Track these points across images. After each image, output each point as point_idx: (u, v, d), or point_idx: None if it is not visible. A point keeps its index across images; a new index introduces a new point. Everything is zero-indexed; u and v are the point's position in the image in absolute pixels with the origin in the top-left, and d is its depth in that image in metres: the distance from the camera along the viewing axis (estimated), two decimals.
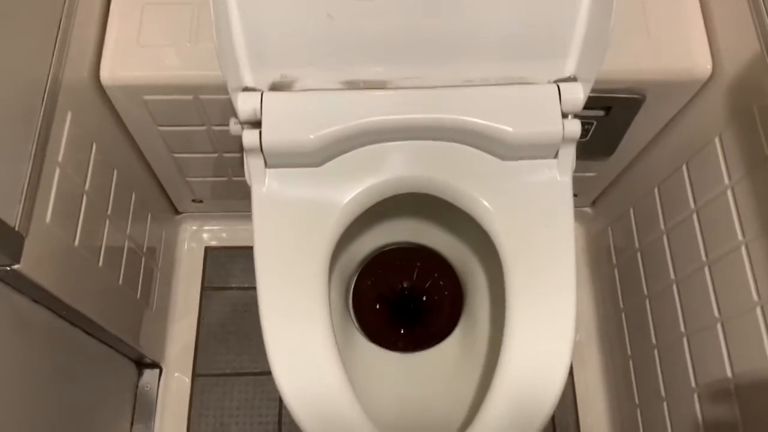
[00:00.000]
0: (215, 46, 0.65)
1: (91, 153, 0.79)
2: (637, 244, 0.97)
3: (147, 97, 0.81)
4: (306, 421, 0.65)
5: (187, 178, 1.02)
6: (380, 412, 0.84)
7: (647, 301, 0.94)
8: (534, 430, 0.65)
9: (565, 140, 0.69)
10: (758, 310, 0.70)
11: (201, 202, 1.10)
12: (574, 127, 0.69)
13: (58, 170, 0.70)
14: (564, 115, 0.70)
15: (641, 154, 0.95)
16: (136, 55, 0.79)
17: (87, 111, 0.77)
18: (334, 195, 0.70)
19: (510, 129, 0.69)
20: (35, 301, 0.70)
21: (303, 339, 0.67)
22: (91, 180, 0.78)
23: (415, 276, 0.98)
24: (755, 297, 0.70)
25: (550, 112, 0.69)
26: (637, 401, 0.97)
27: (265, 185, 0.71)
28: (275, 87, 0.71)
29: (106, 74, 0.78)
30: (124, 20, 0.80)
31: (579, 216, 1.16)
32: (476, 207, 0.71)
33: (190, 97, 0.82)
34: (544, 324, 0.68)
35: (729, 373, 0.74)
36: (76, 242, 0.74)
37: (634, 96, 0.81)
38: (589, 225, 1.16)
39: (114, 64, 0.79)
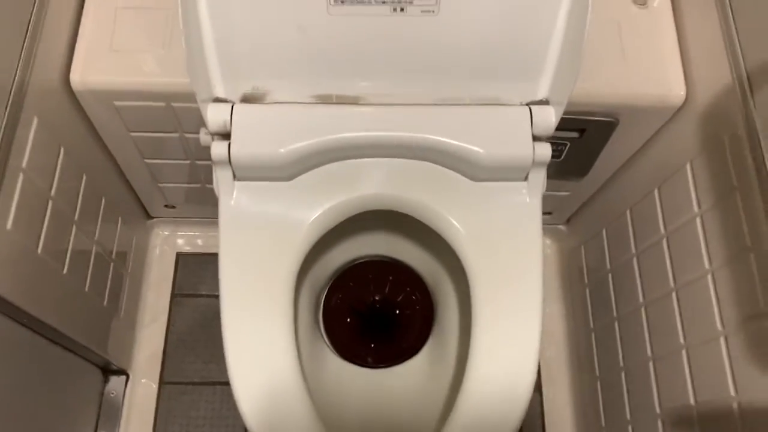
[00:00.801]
0: (185, 57, 0.65)
1: (58, 158, 0.77)
2: (608, 265, 0.97)
3: (118, 103, 0.80)
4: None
5: (160, 184, 1.01)
6: (347, 428, 0.84)
7: (616, 323, 0.94)
8: None
9: (535, 164, 0.69)
10: (722, 340, 0.70)
11: (174, 207, 1.09)
12: (545, 151, 0.69)
13: (21, 176, 0.68)
14: (535, 138, 0.70)
15: (615, 175, 0.95)
16: (108, 60, 0.78)
17: (55, 115, 0.76)
18: (302, 212, 0.70)
19: (481, 151, 0.68)
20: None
21: (264, 356, 0.66)
22: (57, 185, 0.77)
23: (387, 290, 0.97)
24: (719, 326, 0.71)
25: (521, 135, 0.69)
26: (603, 423, 0.97)
27: (233, 198, 0.70)
28: (247, 99, 0.71)
29: (77, 78, 0.77)
30: (97, 24, 0.79)
31: (553, 233, 1.16)
32: (445, 227, 0.71)
33: (162, 104, 0.81)
34: (508, 342, 0.68)
35: (692, 401, 0.74)
36: (39, 249, 0.73)
37: (608, 119, 0.81)
38: (563, 242, 1.16)
39: (85, 68, 0.77)
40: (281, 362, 0.66)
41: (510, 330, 0.68)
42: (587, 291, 1.05)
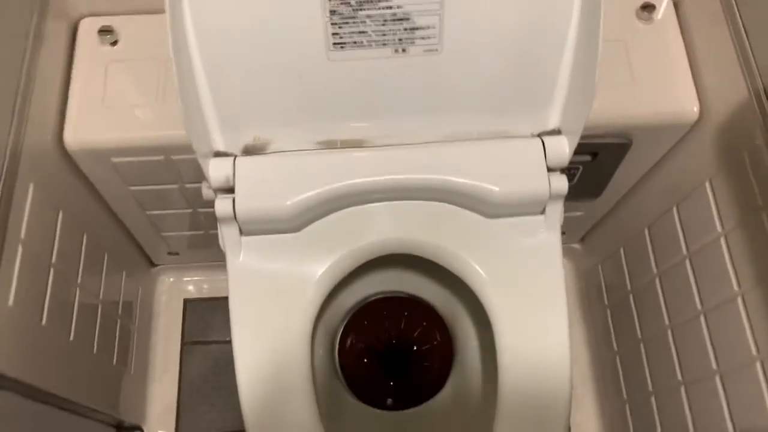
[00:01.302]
0: (181, 113, 0.62)
1: (57, 222, 0.75)
2: (629, 286, 0.94)
3: (115, 160, 0.78)
4: None
5: (162, 234, 0.98)
6: None
7: (641, 345, 0.91)
8: None
9: (552, 197, 0.67)
10: (758, 365, 0.67)
11: (177, 254, 1.06)
12: (561, 183, 0.66)
13: (20, 248, 0.66)
14: (550, 170, 0.67)
15: (630, 194, 0.93)
16: (101, 117, 0.75)
17: (52, 179, 0.74)
18: (312, 265, 0.67)
19: (495, 188, 0.66)
20: (0, 387, 0.66)
21: (285, 418, 0.63)
22: (58, 250, 0.74)
23: (402, 326, 0.94)
24: (754, 351, 0.68)
25: (535, 169, 0.67)
26: None
27: (241, 256, 0.67)
28: (248, 150, 0.68)
29: (70, 138, 0.74)
30: (88, 80, 0.77)
31: (568, 252, 1.13)
32: (466, 271, 0.69)
33: (161, 157, 0.78)
34: (537, 384, 0.65)
35: (730, 428, 0.72)
36: (44, 321, 0.70)
37: (621, 141, 0.79)
38: (579, 261, 1.14)
39: (78, 128, 0.75)
40: (303, 424, 0.63)
41: (540, 371, 0.65)
42: (608, 312, 1.02)
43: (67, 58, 0.78)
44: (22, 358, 0.66)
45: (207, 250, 1.07)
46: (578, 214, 1.00)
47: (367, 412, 0.87)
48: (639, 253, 0.91)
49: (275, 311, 0.65)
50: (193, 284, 1.12)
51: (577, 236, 1.10)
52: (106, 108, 0.76)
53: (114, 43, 0.78)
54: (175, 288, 1.12)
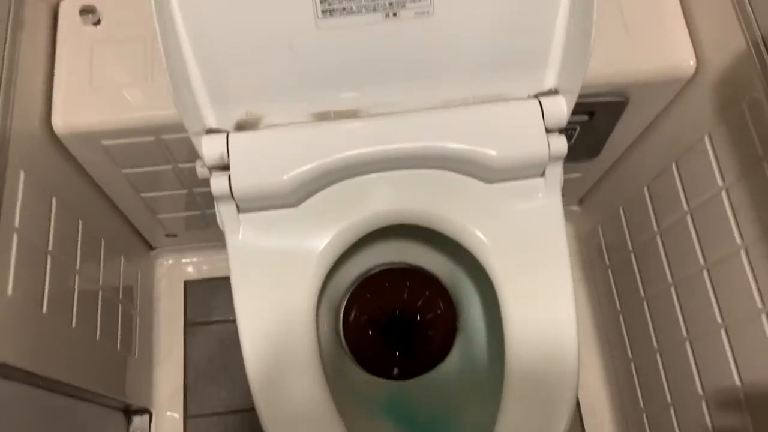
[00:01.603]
0: (170, 90, 0.61)
1: (51, 209, 0.74)
2: (629, 245, 0.94)
3: (106, 143, 0.76)
4: None
5: (158, 216, 0.97)
6: None
7: (645, 303, 0.91)
8: None
9: (551, 158, 0.66)
10: (763, 318, 0.67)
11: (175, 236, 1.06)
12: (560, 144, 0.65)
13: (15, 237, 0.65)
14: (548, 131, 0.66)
15: (627, 152, 0.92)
16: (89, 100, 0.74)
17: (42, 165, 0.73)
18: (313, 240, 0.66)
19: (493, 153, 0.65)
20: (6, 378, 0.66)
21: (294, 392, 0.63)
22: (54, 237, 0.73)
23: (405, 296, 0.94)
24: (759, 304, 0.68)
25: (533, 131, 0.66)
26: (642, 406, 0.95)
27: (240, 233, 0.67)
28: (241, 126, 0.67)
29: (59, 123, 0.73)
30: (73, 62, 0.75)
31: (567, 215, 1.13)
32: (468, 238, 0.68)
33: (152, 138, 0.77)
34: (544, 343, 0.65)
35: (737, 382, 0.72)
36: (44, 309, 0.70)
37: (618, 99, 0.78)
38: (578, 223, 1.13)
39: (66, 112, 0.73)
40: (312, 396, 0.63)
41: (546, 334, 0.65)
42: (609, 272, 1.02)
43: (49, 40, 0.76)
44: (24, 348, 0.66)
45: (205, 231, 1.06)
46: (576, 175, 0.99)
47: (373, 382, 0.87)
48: (639, 211, 0.90)
49: (278, 287, 0.65)
50: (193, 266, 1.12)
51: (576, 198, 1.10)
52: (93, 90, 0.74)
53: (97, 22, 0.76)
54: (174, 270, 1.11)
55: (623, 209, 0.95)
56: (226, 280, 1.11)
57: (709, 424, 0.78)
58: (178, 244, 1.10)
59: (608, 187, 1.00)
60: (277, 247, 0.66)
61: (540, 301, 0.65)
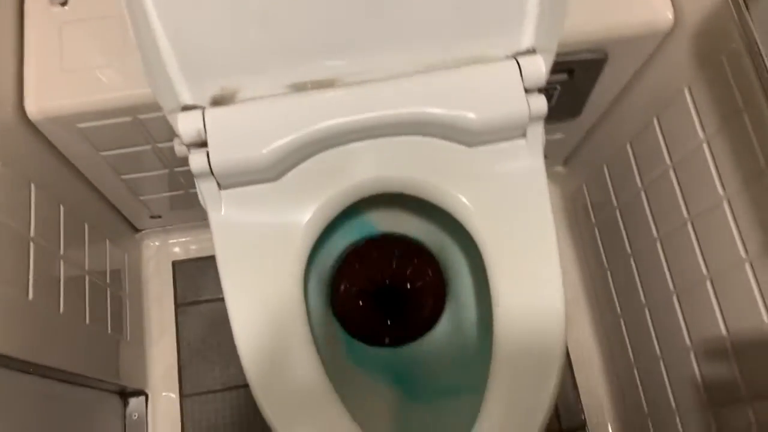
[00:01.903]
0: (143, 68, 0.60)
1: (30, 196, 0.73)
2: (614, 202, 0.94)
3: (82, 125, 0.75)
4: None
5: (141, 197, 0.96)
6: (380, 414, 0.82)
7: (632, 259, 0.92)
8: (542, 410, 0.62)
9: (532, 119, 0.66)
10: (747, 267, 0.68)
11: (160, 217, 1.05)
12: (540, 103, 0.65)
13: None
14: (528, 91, 0.66)
15: (609, 110, 0.92)
16: (62, 82, 0.73)
17: (18, 152, 0.71)
18: (296, 213, 0.66)
19: (473, 116, 0.64)
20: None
21: (287, 369, 0.63)
22: (35, 224, 0.73)
23: (394, 265, 0.94)
24: (743, 254, 0.68)
25: (512, 91, 0.65)
26: (632, 360, 0.96)
27: (222, 210, 0.66)
28: (216, 101, 0.66)
29: (33, 108, 0.72)
30: (43, 45, 0.74)
31: (552, 176, 1.13)
32: (452, 203, 0.68)
33: (129, 118, 0.76)
34: (531, 303, 0.65)
35: (723, 331, 0.73)
36: (30, 296, 0.69)
37: (596, 56, 0.77)
38: (563, 184, 1.13)
39: (40, 96, 0.72)
40: (305, 371, 0.63)
41: (532, 293, 0.65)
42: (596, 230, 1.02)
43: (17, 23, 0.74)
44: (12, 335, 0.65)
45: (189, 210, 1.05)
46: (559, 136, 0.99)
47: (366, 351, 0.88)
48: (622, 168, 0.90)
49: (264, 262, 0.64)
50: (180, 246, 1.11)
51: (559, 159, 1.10)
52: (65, 72, 0.73)
53: (64, 3, 0.75)
54: (161, 252, 1.11)
55: (607, 167, 0.95)
56: (214, 258, 1.12)
57: (698, 375, 0.79)
58: (164, 225, 1.09)
59: (591, 146, 1.00)
60: (261, 222, 0.65)
61: (526, 262, 0.65)
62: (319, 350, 0.65)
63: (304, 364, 0.63)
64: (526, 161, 0.68)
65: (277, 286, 0.64)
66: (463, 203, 0.68)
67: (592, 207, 1.03)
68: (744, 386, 0.71)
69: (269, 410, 0.62)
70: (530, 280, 0.65)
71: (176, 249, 1.11)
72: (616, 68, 0.80)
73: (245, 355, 0.64)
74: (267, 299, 0.64)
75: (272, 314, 0.64)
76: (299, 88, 0.67)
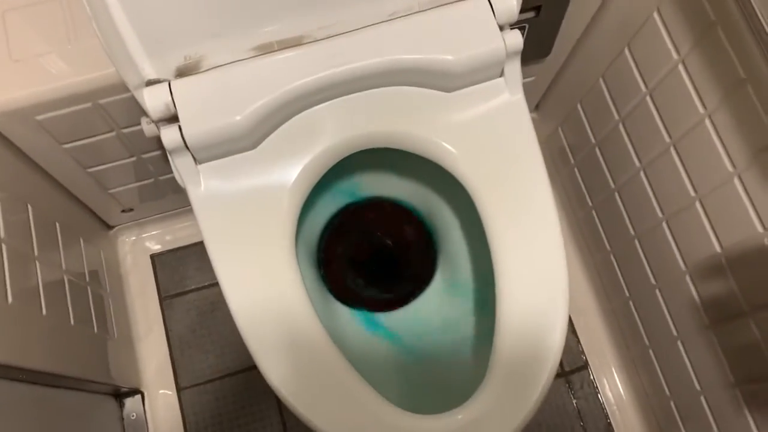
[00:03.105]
0: (102, 44, 0.57)
1: None
2: (592, 139, 0.94)
3: (40, 117, 0.72)
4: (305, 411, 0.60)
5: (110, 191, 0.93)
6: (379, 378, 0.81)
7: (616, 194, 0.92)
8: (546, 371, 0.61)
9: (508, 55, 0.64)
10: (736, 180, 0.68)
11: (131, 210, 1.01)
12: (515, 38, 0.64)
13: None
14: (500, 28, 0.64)
15: (577, 47, 0.91)
16: (13, 73, 0.69)
17: None
18: (280, 176, 0.63)
19: (450, 57, 0.63)
20: None
21: (286, 328, 0.61)
22: (4, 226, 0.69)
23: (383, 229, 0.93)
24: (729, 168, 0.68)
25: (486, 29, 0.64)
26: (627, 293, 0.96)
27: (201, 185, 0.63)
28: (181, 72, 0.63)
29: None
30: None
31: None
32: (436, 151, 0.66)
33: (88, 104, 0.72)
34: (532, 245, 0.64)
35: (718, 248, 0.73)
36: (9, 298, 0.66)
37: None
38: (539, 130, 1.10)
39: None
40: (305, 326, 0.61)
41: (531, 233, 0.64)
42: (576, 170, 1.02)
43: None
44: None
45: (161, 201, 1.02)
46: (530, 79, 0.98)
47: (361, 316, 0.86)
48: (597, 104, 0.90)
49: (252, 231, 0.62)
50: (155, 239, 1.08)
51: (532, 105, 1.09)
52: (15, 63, 0.69)
53: None
54: (138, 246, 1.07)
55: (581, 105, 0.95)
56: (193, 247, 1.09)
57: (696, 296, 0.79)
58: (137, 219, 1.06)
59: (563, 87, 1.00)
60: (243, 190, 0.63)
61: (518, 198, 0.64)
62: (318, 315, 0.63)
63: (308, 333, 0.61)
64: (506, 98, 0.66)
65: (268, 254, 0.62)
66: (447, 150, 0.66)
67: (569, 148, 1.03)
68: (744, 299, 0.71)
69: (283, 390, 0.59)
70: (525, 215, 0.63)
71: (152, 242, 1.07)
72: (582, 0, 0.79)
73: (246, 329, 0.61)
74: (260, 268, 0.62)
75: (267, 283, 0.61)
76: (266, 49, 0.64)
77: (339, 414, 0.60)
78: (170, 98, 0.61)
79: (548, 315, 0.63)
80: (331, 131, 0.65)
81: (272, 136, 0.65)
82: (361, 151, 0.69)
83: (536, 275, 0.63)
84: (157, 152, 0.86)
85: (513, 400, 0.59)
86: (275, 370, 0.60)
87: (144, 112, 0.63)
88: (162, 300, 1.05)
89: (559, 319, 0.62)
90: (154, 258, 1.07)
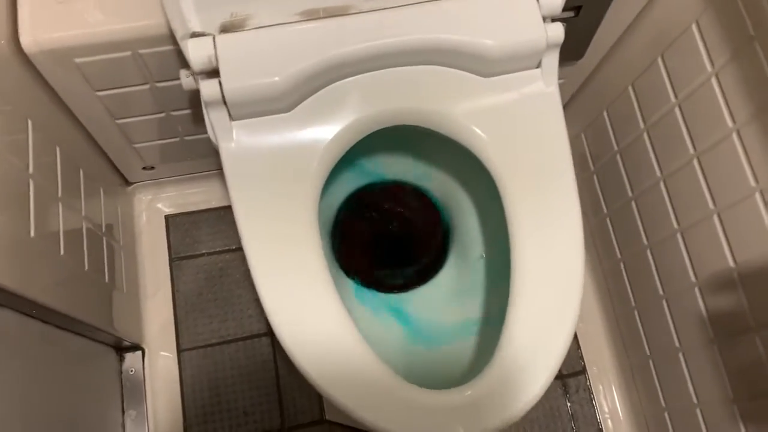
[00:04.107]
0: None
1: (28, 132, 0.70)
2: (615, 147, 0.95)
3: (79, 60, 0.72)
4: (319, 377, 0.61)
5: (135, 145, 0.93)
6: (387, 356, 0.82)
7: (633, 203, 0.92)
8: (558, 354, 0.62)
9: (549, 46, 0.65)
10: (757, 196, 0.69)
11: (152, 168, 1.02)
12: (557, 31, 0.65)
13: None
14: (544, 19, 0.65)
15: (610, 53, 0.92)
16: (58, 13, 0.70)
17: (14, 85, 0.68)
18: (311, 140, 0.64)
19: (491, 42, 0.64)
20: (1, 305, 0.63)
21: (303, 294, 0.62)
22: (34, 162, 0.70)
23: (397, 212, 0.93)
24: (752, 183, 0.69)
25: (529, 18, 0.65)
26: (633, 302, 0.97)
27: (234, 140, 0.64)
28: (226, 28, 0.64)
29: (28, 39, 0.69)
30: None
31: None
32: (466, 134, 0.67)
33: (128, 53, 0.73)
34: (552, 235, 0.65)
35: (731, 263, 0.74)
36: (32, 233, 0.67)
37: None
38: None
39: (35, 27, 0.69)
40: (325, 302, 0.62)
41: (551, 222, 0.65)
42: (595, 177, 1.03)
43: None
44: (18, 271, 0.63)
45: (183, 163, 1.03)
46: (560, 81, 0.98)
47: (372, 296, 0.87)
48: (624, 111, 0.91)
49: (279, 190, 0.63)
50: (172, 200, 1.08)
51: None
52: (62, 3, 0.70)
53: None
54: (153, 206, 1.08)
55: (607, 112, 0.95)
56: (207, 212, 1.10)
57: (703, 309, 0.80)
58: (156, 178, 1.07)
59: (591, 92, 1.00)
60: (274, 149, 0.64)
61: (544, 194, 0.65)
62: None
63: (327, 306, 0.62)
64: (541, 89, 0.67)
65: (293, 215, 0.62)
66: (477, 134, 0.67)
67: (590, 155, 1.04)
68: (752, 315, 0.72)
69: (301, 359, 0.60)
70: (548, 208, 0.64)
71: (168, 203, 1.08)
72: (623, 3, 0.80)
73: (265, 291, 0.62)
74: (283, 229, 0.62)
75: (290, 247, 0.62)
76: (311, 15, 0.65)
77: (352, 385, 0.60)
78: (213, 51, 0.62)
79: (561, 310, 0.63)
80: (365, 103, 0.66)
81: (308, 101, 0.66)
82: (386, 132, 0.69)
83: (553, 268, 0.64)
84: (188, 111, 0.87)
85: (521, 381, 0.60)
86: (296, 348, 0.60)
87: (184, 65, 0.64)
88: (172, 261, 1.05)
89: (571, 314, 0.63)
90: (168, 219, 1.07)
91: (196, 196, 1.09)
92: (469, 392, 0.59)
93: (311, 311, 0.61)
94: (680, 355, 0.86)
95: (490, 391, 0.59)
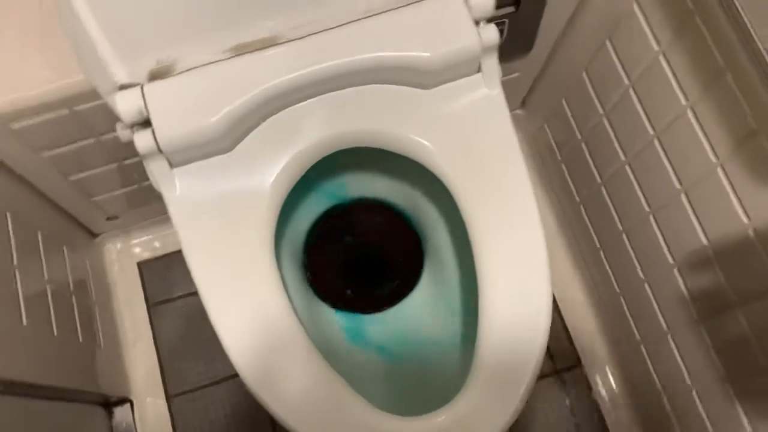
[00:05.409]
0: (74, 50, 0.56)
1: None
2: (578, 134, 0.93)
3: (16, 126, 0.71)
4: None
5: (94, 198, 0.92)
6: (364, 380, 0.80)
7: (603, 189, 0.91)
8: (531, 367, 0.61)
9: (484, 50, 0.63)
10: (719, 171, 0.67)
11: (117, 218, 1.00)
12: (491, 33, 0.63)
13: None
14: (476, 22, 0.64)
15: (560, 41, 0.90)
16: None
17: None
18: (257, 178, 0.63)
19: (426, 54, 0.62)
20: None
21: (266, 337, 0.61)
22: None
23: (366, 231, 0.92)
24: (712, 158, 0.68)
25: (461, 24, 0.63)
26: (617, 290, 0.95)
27: (177, 188, 0.63)
28: (154, 76, 0.62)
29: None
30: None
31: (513, 119, 1.11)
32: (413, 147, 0.65)
33: (65, 111, 0.72)
34: (514, 245, 0.63)
35: (704, 241, 0.72)
36: None
37: None
38: (525, 126, 1.12)
39: None
40: (286, 334, 0.60)
41: (510, 226, 0.63)
42: (563, 166, 1.01)
43: None
44: None
45: (147, 207, 1.01)
46: (515, 75, 0.97)
47: (347, 319, 0.85)
48: (581, 99, 0.89)
49: (230, 235, 0.61)
50: (142, 245, 1.07)
51: (517, 101, 1.08)
52: None
53: None
54: (124, 254, 1.06)
55: (566, 100, 0.94)
56: (179, 253, 1.07)
57: (684, 290, 0.79)
58: (123, 226, 1.05)
59: (547, 82, 0.99)
60: (220, 193, 0.62)
61: (498, 195, 0.63)
62: (300, 319, 0.62)
63: (290, 340, 0.60)
64: (484, 94, 0.66)
65: (247, 258, 0.61)
66: (422, 144, 0.65)
67: (556, 144, 1.02)
68: (732, 291, 0.70)
69: (273, 406, 0.60)
70: (504, 209, 0.63)
71: (139, 249, 1.07)
72: None
73: (228, 340, 0.61)
74: (238, 274, 0.61)
75: (246, 290, 0.61)
76: (240, 50, 0.63)
77: (324, 419, 0.59)
78: (143, 102, 0.60)
79: (531, 315, 0.62)
80: (308, 131, 0.64)
81: (248, 137, 0.64)
82: (346, 152, 0.68)
83: (518, 272, 0.62)
84: (139, 158, 0.85)
85: (496, 401, 0.58)
86: (254, 376, 0.59)
87: (118, 118, 0.63)
88: (150, 307, 1.04)
89: (542, 318, 0.62)
90: (141, 265, 1.06)
91: (166, 239, 1.07)
92: (443, 417, 0.57)
93: (277, 354, 0.60)
94: (669, 338, 0.85)
95: (467, 413, 0.58)
